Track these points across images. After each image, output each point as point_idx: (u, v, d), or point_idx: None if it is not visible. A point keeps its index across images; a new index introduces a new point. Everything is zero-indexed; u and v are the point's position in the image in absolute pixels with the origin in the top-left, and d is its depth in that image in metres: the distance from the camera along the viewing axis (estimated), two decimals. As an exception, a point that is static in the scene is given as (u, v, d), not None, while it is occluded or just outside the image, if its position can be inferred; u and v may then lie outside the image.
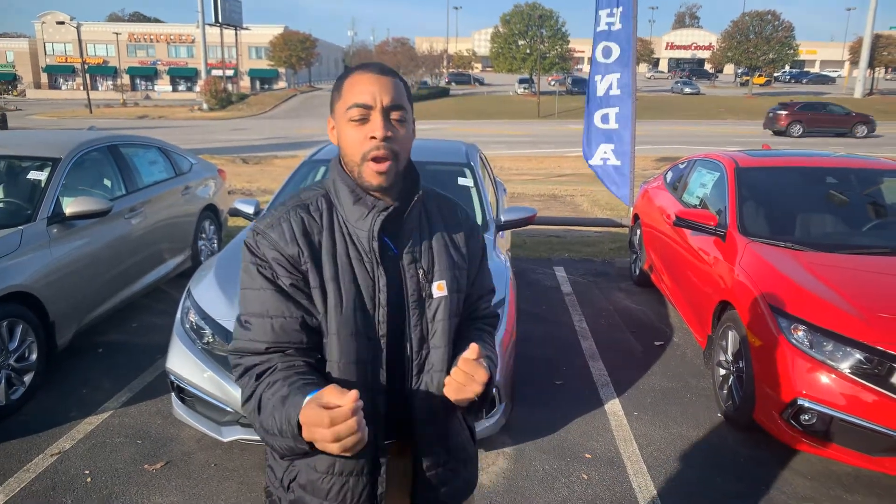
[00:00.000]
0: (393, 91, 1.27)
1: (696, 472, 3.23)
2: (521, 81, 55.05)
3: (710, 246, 4.19)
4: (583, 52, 78.69)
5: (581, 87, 52.45)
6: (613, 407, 3.89)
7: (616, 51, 6.55)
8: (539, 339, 4.85)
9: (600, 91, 6.69)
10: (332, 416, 1.04)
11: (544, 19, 51.55)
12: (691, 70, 77.85)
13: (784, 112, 28.47)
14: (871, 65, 54.46)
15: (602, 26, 6.59)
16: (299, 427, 1.11)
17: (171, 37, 75.60)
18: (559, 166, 17.95)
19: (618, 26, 6.49)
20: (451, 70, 71.43)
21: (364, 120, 1.26)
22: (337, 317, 1.28)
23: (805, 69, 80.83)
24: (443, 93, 53.45)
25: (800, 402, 3.02)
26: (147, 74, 76.11)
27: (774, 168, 4.64)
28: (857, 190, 4.48)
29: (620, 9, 6.54)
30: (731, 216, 4.12)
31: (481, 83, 66.86)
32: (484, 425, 3.14)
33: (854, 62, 58.50)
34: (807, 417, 3.03)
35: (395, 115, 1.28)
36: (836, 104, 31.14)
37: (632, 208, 7.03)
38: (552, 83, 55.76)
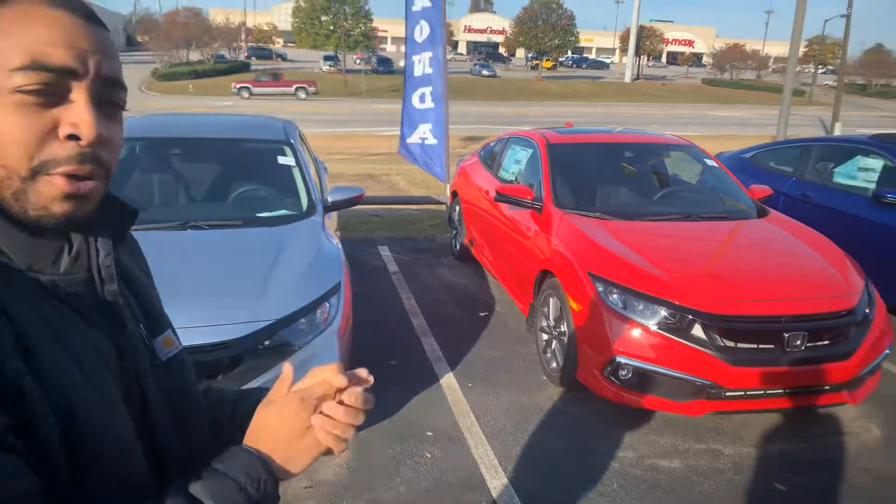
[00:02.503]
0: (113, 55, 0.73)
1: (530, 436, 3.39)
2: (327, 59, 53.79)
3: (528, 219, 4.40)
4: (385, 31, 79.07)
5: (387, 66, 52.70)
6: (449, 381, 3.95)
7: (428, 29, 6.61)
8: (371, 320, 4.76)
9: (418, 71, 6.71)
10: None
11: (347, -4, 50.80)
12: (488, 53, 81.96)
13: None
14: (638, 53, 61.69)
15: (417, 6, 6.62)
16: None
17: None
18: (372, 145, 17.86)
19: (428, 5, 6.55)
20: (250, 44, 67.58)
21: (50, 97, 0.67)
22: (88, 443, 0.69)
23: (584, 55, 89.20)
24: (243, 68, 50.36)
25: (618, 359, 3.29)
26: None
27: (581, 144, 5.00)
28: (648, 162, 5.00)
29: (432, -13, 6.60)
30: (546, 190, 4.36)
31: (284, 59, 64.19)
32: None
33: (624, 50, 65.91)
34: (624, 373, 3.31)
35: (113, 97, 0.74)
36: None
37: (449, 186, 7.19)
38: (357, 61, 55.28)
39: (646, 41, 62.53)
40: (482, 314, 5.07)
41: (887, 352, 3.50)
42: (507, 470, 3.08)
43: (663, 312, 3.26)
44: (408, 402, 3.68)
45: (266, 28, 70.08)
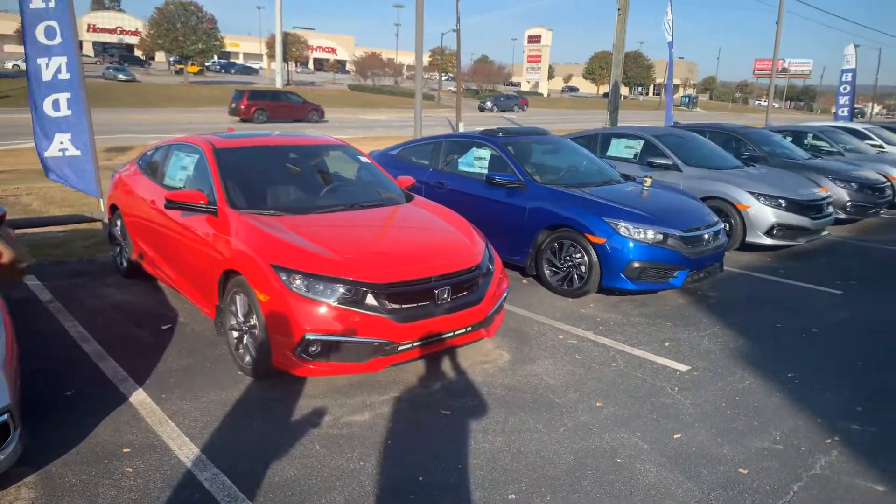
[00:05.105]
0: None
1: (234, 426, 3.56)
2: None
3: (204, 224, 4.47)
4: (-19, 26, 65.17)
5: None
6: (139, 397, 3.84)
7: (58, 32, 5.98)
8: (31, 355, 4.26)
9: (47, 76, 6.00)
10: None
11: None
12: (122, 56, 74.14)
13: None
14: (285, 59, 62.78)
15: (38, 3, 5.89)
16: None
17: None
18: (-15, 163, 14.91)
19: (52, 5, 5.92)
20: None
21: None
22: None
23: (231, 60, 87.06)
24: None
25: (307, 337, 3.67)
26: None
27: (247, 147, 5.19)
28: (311, 162, 5.46)
29: (56, -15, 5.97)
30: (219, 193, 4.48)
31: None
32: (-3, 460, 2.71)
33: (271, 56, 66.27)
34: (314, 348, 3.71)
35: None
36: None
37: (103, 200, 6.67)
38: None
39: (291, 48, 64.00)
40: (165, 327, 4.95)
41: (506, 294, 4.60)
42: (215, 461, 3.21)
43: (341, 289, 3.75)
44: (95, 426, 3.49)
45: None
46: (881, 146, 13.60)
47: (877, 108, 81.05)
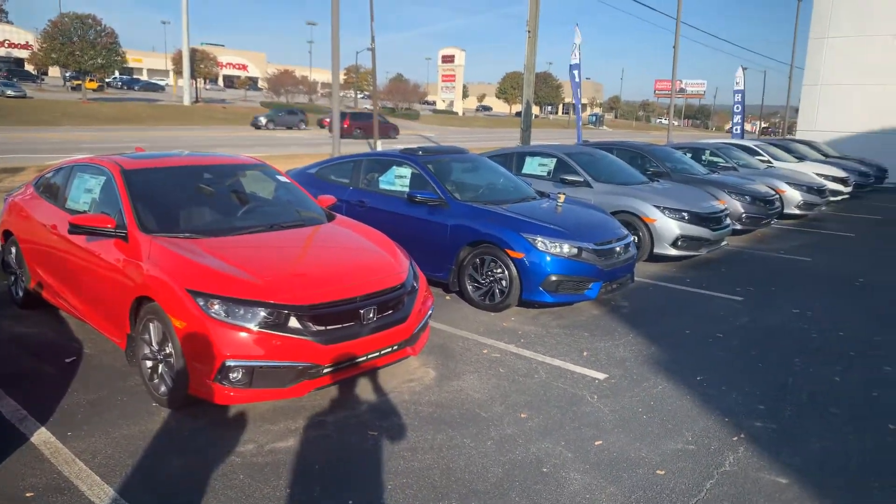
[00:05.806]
0: None
1: (150, 462, 3.38)
2: None
3: (113, 249, 4.24)
4: None
5: None
6: (42, 437, 3.59)
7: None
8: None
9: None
10: None
11: None
12: (10, 70, 69.27)
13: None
14: (193, 75, 60.65)
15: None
16: None
17: None
18: None
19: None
20: None
21: None
22: None
23: (135, 76, 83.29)
24: None
25: (227, 363, 3.55)
26: None
27: (159, 168, 4.98)
28: (227, 182, 5.30)
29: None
30: (129, 217, 4.27)
31: None
32: None
33: (178, 72, 63.85)
34: (235, 375, 3.59)
35: None
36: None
37: (-4, 225, 6.20)
38: None
39: (200, 64, 61.92)
40: (69, 360, 4.65)
41: (431, 311, 4.63)
42: (131, 500, 3.04)
43: (262, 313, 3.66)
44: (-6, 471, 3.23)
45: None
46: (769, 161, 14.74)
47: (764, 125, 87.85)
